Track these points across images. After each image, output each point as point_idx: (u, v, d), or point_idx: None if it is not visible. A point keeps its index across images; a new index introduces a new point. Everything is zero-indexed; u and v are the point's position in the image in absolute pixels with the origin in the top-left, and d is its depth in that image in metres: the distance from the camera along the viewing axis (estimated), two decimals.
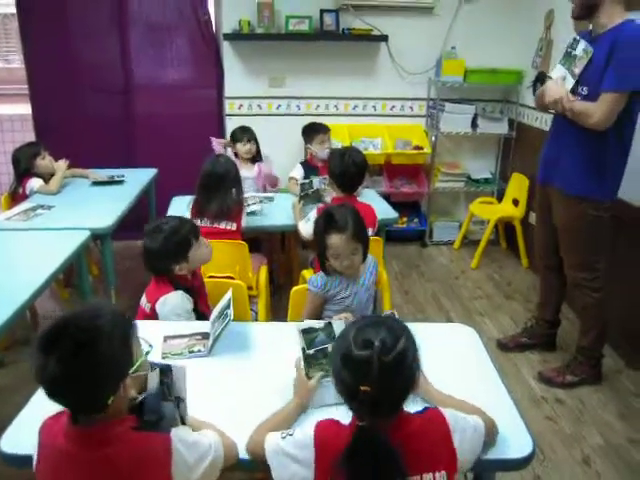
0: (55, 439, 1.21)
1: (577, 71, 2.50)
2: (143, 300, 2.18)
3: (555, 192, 2.72)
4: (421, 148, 4.40)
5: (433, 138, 4.45)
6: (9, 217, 3.02)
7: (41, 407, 1.38)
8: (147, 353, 1.29)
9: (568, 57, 2.56)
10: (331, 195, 3.08)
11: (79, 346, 1.11)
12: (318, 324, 1.64)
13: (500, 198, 4.58)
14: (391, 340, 1.19)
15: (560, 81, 2.53)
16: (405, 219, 4.63)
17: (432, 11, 4.40)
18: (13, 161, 3.55)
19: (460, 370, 1.75)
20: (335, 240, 2.07)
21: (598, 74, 2.41)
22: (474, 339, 1.99)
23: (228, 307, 1.91)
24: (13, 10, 4.31)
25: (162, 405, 1.32)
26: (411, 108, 4.62)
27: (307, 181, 3.29)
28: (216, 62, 4.41)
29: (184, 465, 1.22)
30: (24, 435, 1.41)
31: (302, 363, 1.58)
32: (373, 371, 1.15)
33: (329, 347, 1.57)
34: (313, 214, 2.89)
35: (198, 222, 2.74)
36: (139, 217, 3.64)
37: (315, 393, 1.55)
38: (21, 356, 3.03)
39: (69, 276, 3.62)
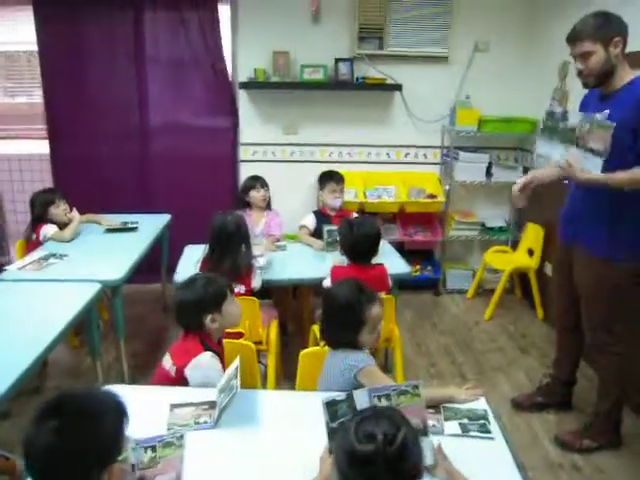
0: None
1: (597, 146, 2.31)
2: (167, 362, 2.11)
3: (578, 251, 2.65)
4: (435, 197, 4.39)
5: (447, 186, 4.44)
6: (22, 266, 3.03)
7: None
8: (133, 449, 1.28)
9: (563, 132, 2.47)
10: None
11: (72, 418, 1.14)
12: (339, 396, 1.60)
13: (515, 247, 4.54)
14: (392, 430, 1.17)
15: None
16: (418, 267, 4.59)
17: (446, 60, 4.43)
18: (30, 205, 3.60)
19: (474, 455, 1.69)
20: (378, 309, 2.03)
21: (626, 133, 2.28)
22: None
23: (235, 377, 1.87)
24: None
25: None
26: (425, 156, 4.63)
27: (334, 228, 3.28)
28: (231, 109, 4.46)
29: None
30: None
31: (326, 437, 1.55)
32: (379, 465, 1.12)
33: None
34: (328, 279, 2.90)
35: None
36: (151, 260, 3.64)
37: None
38: (28, 407, 3.00)
39: (80, 324, 3.61)
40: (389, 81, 4.36)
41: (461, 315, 4.29)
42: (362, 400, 1.57)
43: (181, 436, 1.42)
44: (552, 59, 4.09)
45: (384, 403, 1.53)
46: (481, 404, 1.93)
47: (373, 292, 2.08)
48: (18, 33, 4.97)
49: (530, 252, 4.30)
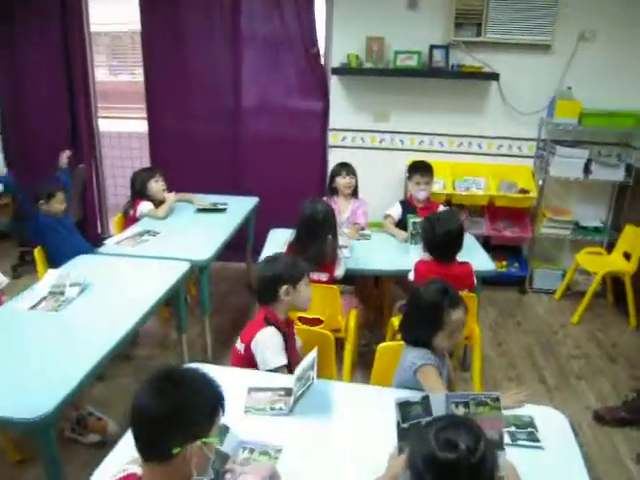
0: None
1: None
2: (238, 342, 2.23)
3: None
4: (527, 191, 4.21)
5: (541, 181, 4.24)
6: (119, 241, 3.23)
7: (128, 449, 1.43)
8: (227, 437, 1.34)
9: None
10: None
11: (175, 387, 1.24)
12: (414, 397, 1.59)
13: (610, 249, 4.29)
14: (473, 441, 1.16)
15: None
16: (505, 263, 4.44)
17: (549, 49, 4.21)
18: (131, 182, 3.81)
19: (547, 468, 1.64)
20: (460, 315, 2.00)
21: None
22: (564, 430, 1.82)
23: (311, 368, 1.91)
24: None
25: None
26: (519, 148, 4.44)
27: (419, 220, 3.25)
28: (323, 94, 4.47)
29: None
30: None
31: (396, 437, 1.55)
32: (462, 474, 1.12)
33: (423, 421, 1.53)
34: (412, 273, 2.89)
35: None
36: (237, 239, 3.74)
37: None
38: (119, 370, 3.21)
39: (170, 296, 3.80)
40: (486, 69, 4.21)
41: (547, 316, 4.13)
42: (438, 405, 1.56)
43: (279, 450, 1.51)
44: None
45: (461, 411, 1.51)
46: (526, 410, 1.87)
47: (459, 297, 2.04)
48: (123, 14, 5.24)
49: (627, 256, 4.06)
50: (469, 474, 1.13)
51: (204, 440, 1.26)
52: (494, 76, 4.19)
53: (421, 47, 4.20)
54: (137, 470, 1.32)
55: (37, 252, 3.28)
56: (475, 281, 2.86)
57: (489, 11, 4.10)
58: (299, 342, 2.38)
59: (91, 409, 2.75)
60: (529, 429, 1.77)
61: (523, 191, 4.24)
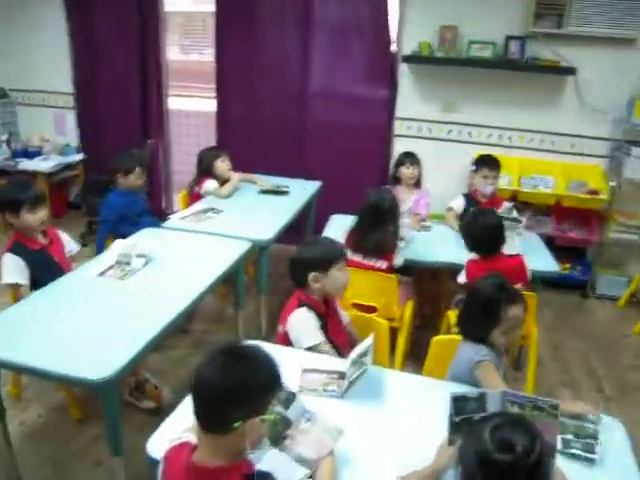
0: (178, 472, 1.32)
1: None
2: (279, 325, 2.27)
3: None
4: (597, 193, 4.05)
5: (613, 183, 4.07)
6: (183, 217, 3.32)
7: (183, 417, 1.52)
8: (278, 414, 1.39)
9: None
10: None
11: (237, 363, 1.27)
12: (470, 393, 1.57)
13: None
14: (530, 442, 1.14)
15: None
16: (567, 265, 4.30)
17: (633, 43, 4.01)
18: (197, 160, 3.89)
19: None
20: (518, 312, 1.97)
21: None
22: (622, 441, 1.76)
23: (367, 354, 1.92)
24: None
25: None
26: (592, 147, 4.27)
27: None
28: (391, 81, 4.42)
29: None
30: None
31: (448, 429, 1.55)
32: (516, 476, 1.11)
33: (476, 416, 1.51)
34: (463, 274, 2.86)
35: (351, 255, 2.79)
36: (298, 223, 3.77)
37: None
38: (174, 343, 3.31)
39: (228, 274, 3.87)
40: (563, 63, 4.05)
41: (608, 323, 3.98)
42: (494, 402, 1.54)
43: (341, 432, 1.56)
44: None
45: (516, 411, 1.49)
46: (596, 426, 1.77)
47: (517, 293, 2.01)
48: None
49: None
50: (525, 477, 1.12)
51: (262, 417, 1.29)
52: (570, 71, 4.03)
53: (496, 37, 4.09)
54: (192, 439, 1.37)
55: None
56: (529, 275, 2.80)
57: (573, 2, 3.94)
58: (346, 318, 2.40)
59: (148, 375, 2.85)
60: (589, 440, 1.69)
61: (593, 192, 4.08)
